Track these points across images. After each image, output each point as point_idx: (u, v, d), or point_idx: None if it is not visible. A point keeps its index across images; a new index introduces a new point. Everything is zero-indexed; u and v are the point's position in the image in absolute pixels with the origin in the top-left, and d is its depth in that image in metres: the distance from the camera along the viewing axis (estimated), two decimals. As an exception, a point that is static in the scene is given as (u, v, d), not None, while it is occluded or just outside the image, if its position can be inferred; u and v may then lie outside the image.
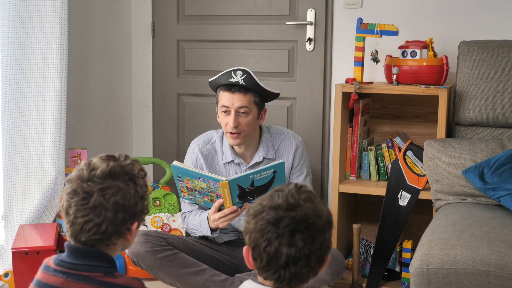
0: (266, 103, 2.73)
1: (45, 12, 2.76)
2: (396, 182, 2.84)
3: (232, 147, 2.73)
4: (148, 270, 2.55)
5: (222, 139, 2.76)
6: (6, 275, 2.67)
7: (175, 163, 2.51)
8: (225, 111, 2.64)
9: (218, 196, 2.49)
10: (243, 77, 2.60)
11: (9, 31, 2.71)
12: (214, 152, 2.75)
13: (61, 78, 2.83)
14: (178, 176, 2.52)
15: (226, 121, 2.64)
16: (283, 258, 1.37)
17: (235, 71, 2.61)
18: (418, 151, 2.80)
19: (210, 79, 2.71)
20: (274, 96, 2.73)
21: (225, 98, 2.63)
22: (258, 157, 2.73)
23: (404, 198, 2.82)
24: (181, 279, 2.52)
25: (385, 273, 2.95)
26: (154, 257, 2.51)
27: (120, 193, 1.52)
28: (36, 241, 2.54)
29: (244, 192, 2.47)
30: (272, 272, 1.39)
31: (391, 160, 2.97)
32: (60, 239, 2.58)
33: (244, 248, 1.44)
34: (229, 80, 2.61)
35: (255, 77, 2.62)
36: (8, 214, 2.81)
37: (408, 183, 2.82)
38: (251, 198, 2.49)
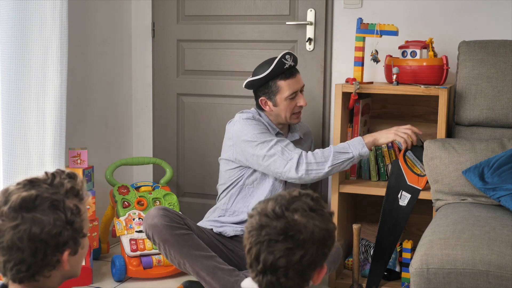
0: None
1: (45, 12, 2.76)
2: (396, 182, 2.84)
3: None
4: (160, 245, 2.52)
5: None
6: (6, 275, 2.67)
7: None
8: (292, 97, 2.72)
9: None
10: (292, 58, 2.72)
11: (9, 31, 2.71)
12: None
13: (61, 78, 2.83)
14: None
15: (295, 103, 2.74)
16: (261, 264, 1.39)
17: (284, 56, 2.69)
18: (418, 151, 2.80)
19: (259, 76, 2.70)
20: None
21: (291, 85, 2.72)
22: (295, 136, 2.88)
23: (404, 198, 2.82)
24: (192, 260, 2.50)
25: (385, 273, 2.95)
26: (171, 232, 2.50)
27: (36, 226, 1.35)
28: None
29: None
30: (254, 275, 1.43)
31: (391, 160, 2.96)
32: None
33: None
34: (285, 67, 2.69)
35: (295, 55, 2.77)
36: (8, 214, 2.80)
37: (408, 183, 2.82)
38: None
